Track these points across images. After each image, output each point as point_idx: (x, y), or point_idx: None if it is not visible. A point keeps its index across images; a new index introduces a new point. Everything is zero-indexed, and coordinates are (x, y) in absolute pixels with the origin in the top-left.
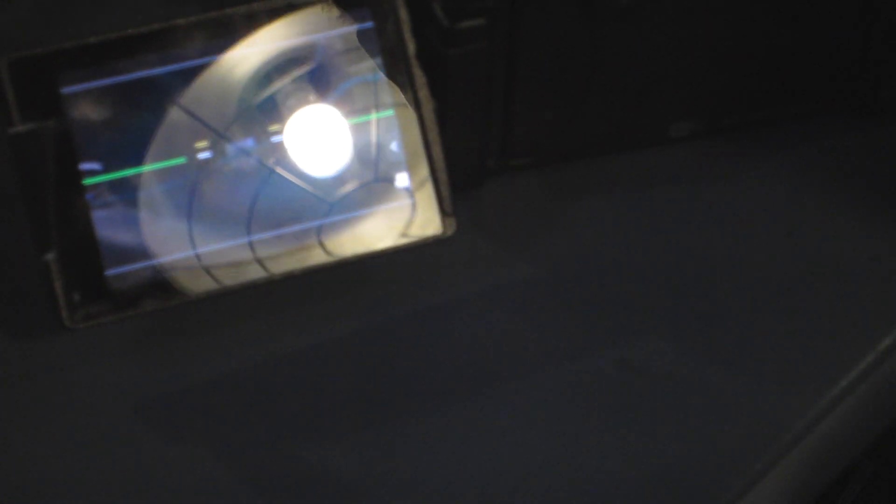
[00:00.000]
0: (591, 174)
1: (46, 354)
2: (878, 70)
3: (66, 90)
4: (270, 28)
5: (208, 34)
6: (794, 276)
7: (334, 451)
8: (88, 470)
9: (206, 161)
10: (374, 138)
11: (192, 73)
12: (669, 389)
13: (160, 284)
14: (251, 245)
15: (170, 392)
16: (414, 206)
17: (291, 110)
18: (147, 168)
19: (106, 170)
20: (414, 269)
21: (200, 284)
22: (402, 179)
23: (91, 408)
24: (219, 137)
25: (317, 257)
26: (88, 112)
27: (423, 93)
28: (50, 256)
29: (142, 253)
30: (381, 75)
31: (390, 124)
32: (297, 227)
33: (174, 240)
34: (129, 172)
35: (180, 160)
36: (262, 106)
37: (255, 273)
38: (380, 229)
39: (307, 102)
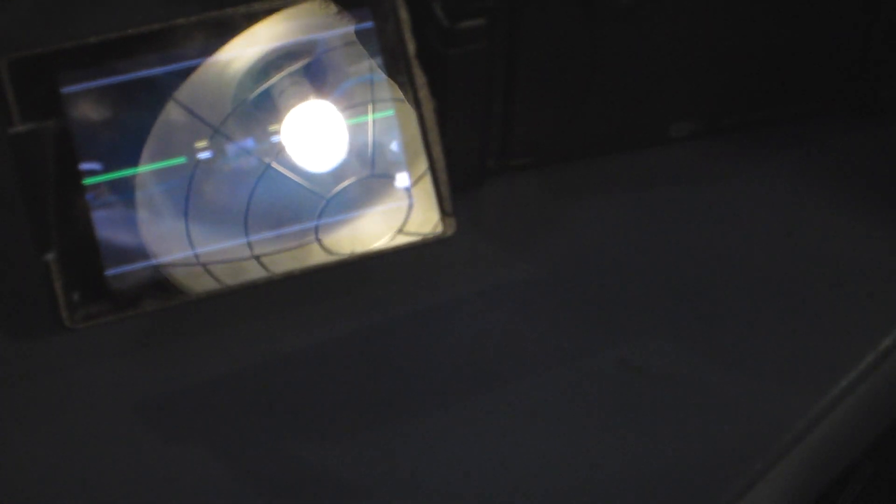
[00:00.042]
0: (591, 174)
1: (46, 354)
2: (878, 70)
3: (66, 90)
4: (270, 27)
5: (208, 34)
6: (794, 276)
7: (334, 451)
8: (88, 470)
9: (206, 160)
10: (371, 137)
11: (191, 74)
12: (669, 389)
13: (160, 284)
14: (250, 244)
15: (170, 392)
16: (414, 206)
17: (289, 107)
18: (147, 168)
19: (106, 170)
20: (414, 269)
21: (200, 284)
22: (401, 179)
23: (91, 408)
24: (215, 133)
25: (316, 257)
26: (88, 112)
27: (423, 93)
28: (50, 256)
29: (141, 253)
30: (381, 75)
31: (390, 124)
32: (296, 227)
33: (174, 240)
34: (128, 172)
35: (180, 160)
36: (258, 102)
37: (254, 273)
38: (379, 229)
39: (304, 99)
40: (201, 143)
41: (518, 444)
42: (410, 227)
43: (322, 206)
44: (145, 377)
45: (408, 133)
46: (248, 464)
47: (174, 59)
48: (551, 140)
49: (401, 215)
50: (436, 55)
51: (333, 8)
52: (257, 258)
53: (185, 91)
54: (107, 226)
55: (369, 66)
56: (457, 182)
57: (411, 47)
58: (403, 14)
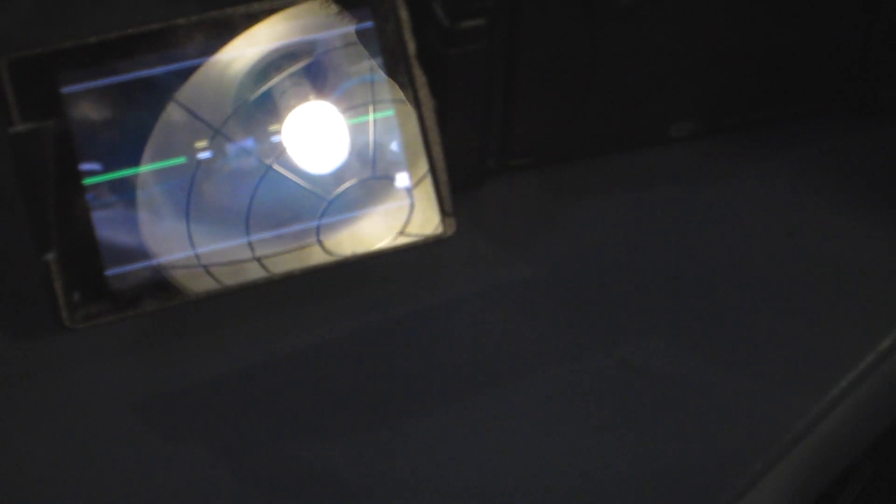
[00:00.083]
0: (591, 174)
1: (46, 354)
2: (878, 70)
3: (66, 90)
4: (270, 28)
5: (208, 34)
6: (794, 276)
7: (334, 451)
8: (88, 470)
9: (206, 161)
10: (372, 137)
11: (192, 73)
12: (669, 389)
13: (160, 284)
14: (250, 244)
15: (170, 392)
16: (414, 206)
17: (290, 107)
18: (147, 168)
19: (106, 170)
20: (414, 269)
21: (200, 284)
22: (402, 179)
23: (91, 408)
24: (215, 133)
25: (317, 257)
26: (88, 112)
27: (423, 93)
28: (50, 256)
29: (142, 253)
30: (381, 75)
31: (390, 124)
32: (296, 227)
33: (174, 240)
34: (128, 172)
35: (180, 160)
36: (259, 102)
37: (254, 273)
38: (379, 229)
39: (305, 100)
40: (202, 144)
41: (518, 444)
42: (412, 227)
43: (323, 207)
44: (145, 377)
45: (408, 133)
46: (248, 464)
47: (174, 59)
48: (551, 140)
49: (402, 216)
50: (436, 55)
51: (334, 8)
52: (258, 259)
53: (185, 92)
54: (107, 226)
55: (369, 67)
56: (457, 182)
57: (411, 47)
58: (403, 14)
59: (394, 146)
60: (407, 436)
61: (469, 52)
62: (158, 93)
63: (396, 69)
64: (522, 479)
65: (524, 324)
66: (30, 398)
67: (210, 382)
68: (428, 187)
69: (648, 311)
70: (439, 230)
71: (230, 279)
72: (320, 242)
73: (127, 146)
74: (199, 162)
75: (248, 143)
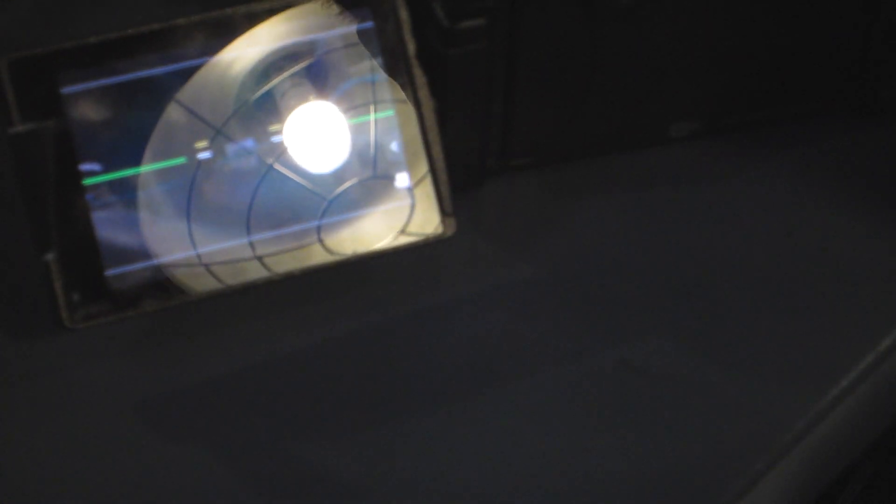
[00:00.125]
0: (591, 174)
1: (46, 354)
2: (878, 70)
3: (66, 90)
4: (270, 27)
5: (208, 34)
6: (794, 276)
7: (334, 451)
8: (88, 470)
9: (206, 161)
10: (373, 138)
11: (192, 73)
12: (669, 389)
13: (160, 284)
14: (251, 244)
15: (170, 392)
16: (414, 206)
17: (290, 108)
18: (147, 168)
19: (106, 170)
20: (414, 269)
21: (200, 284)
22: (402, 179)
23: (91, 408)
24: (216, 133)
25: (317, 257)
26: (88, 112)
27: (423, 93)
28: (50, 256)
29: (142, 253)
30: (381, 75)
31: (390, 124)
32: (297, 227)
33: (174, 240)
34: (128, 172)
35: (180, 160)
36: (260, 103)
37: (255, 273)
38: (379, 229)
39: (306, 100)
40: (202, 144)
41: (518, 444)
42: (412, 227)
43: (324, 207)
44: (145, 377)
45: (409, 133)
46: (248, 464)
47: (175, 59)
48: (551, 140)
49: (402, 216)
50: (436, 55)
51: (334, 8)
52: (259, 258)
53: (186, 92)
54: (107, 226)
55: (370, 67)
56: (457, 182)
57: (411, 47)
58: (403, 14)
59: (394, 146)
60: (407, 436)
61: (469, 52)
62: (159, 93)
63: (396, 69)
64: (522, 479)
65: (524, 324)
66: (30, 398)
67: (210, 382)
68: (428, 187)
69: (648, 311)
70: (439, 230)
71: (230, 278)
72: (321, 241)
73: (127, 146)
74: (200, 162)
75: (249, 143)
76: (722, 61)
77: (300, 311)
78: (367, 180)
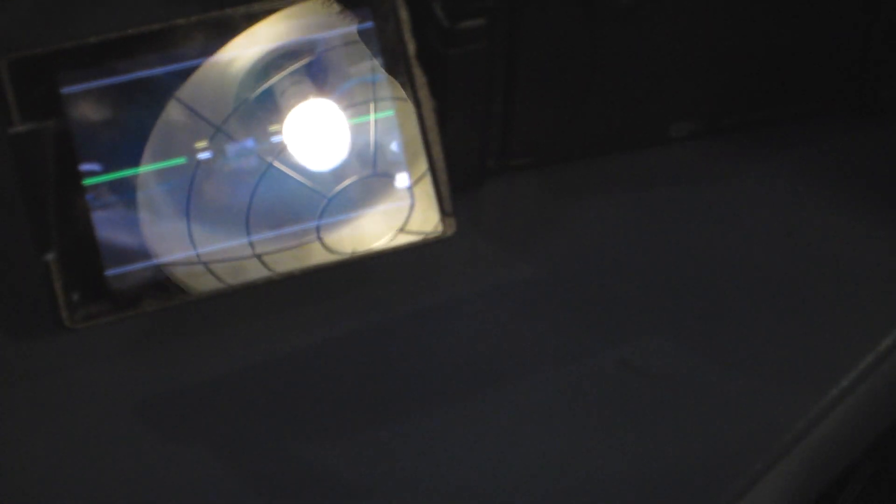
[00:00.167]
0: (591, 174)
1: (46, 354)
2: (878, 70)
3: (66, 90)
4: (270, 27)
5: (208, 34)
6: (794, 276)
7: (334, 451)
8: (88, 470)
9: (207, 160)
10: (373, 137)
11: (192, 73)
12: (669, 389)
13: (160, 284)
14: (252, 244)
15: (170, 392)
16: (414, 206)
17: (290, 106)
18: (146, 168)
19: (106, 170)
20: (414, 269)
21: (200, 284)
22: (402, 179)
23: (91, 408)
24: (216, 132)
25: (316, 256)
26: (88, 112)
27: (423, 93)
28: (50, 256)
29: (142, 253)
30: (381, 75)
31: (390, 124)
32: (297, 227)
33: (174, 239)
34: (128, 172)
35: (180, 160)
36: (260, 101)
37: (255, 272)
38: (379, 229)
39: (306, 98)
40: (202, 143)
41: (518, 444)
42: (411, 226)
43: (323, 206)
44: (145, 377)
45: (409, 133)
46: (248, 464)
47: (174, 59)
48: (551, 140)
49: (402, 215)
50: (436, 55)
51: (334, 8)
52: (259, 257)
53: (186, 91)
54: (107, 226)
55: (370, 66)
56: (457, 182)
57: (411, 47)
58: (403, 14)
59: (394, 146)
60: (407, 436)
61: (469, 52)
62: (158, 93)
63: (396, 69)
64: (522, 479)
65: (524, 324)
66: (30, 398)
67: (210, 382)
68: (428, 186)
69: (648, 311)
70: (439, 229)
71: (230, 278)
72: (321, 240)
73: (127, 146)
74: (200, 162)
75: (249, 141)
76: (722, 61)
77: (300, 311)
78: (366, 178)
